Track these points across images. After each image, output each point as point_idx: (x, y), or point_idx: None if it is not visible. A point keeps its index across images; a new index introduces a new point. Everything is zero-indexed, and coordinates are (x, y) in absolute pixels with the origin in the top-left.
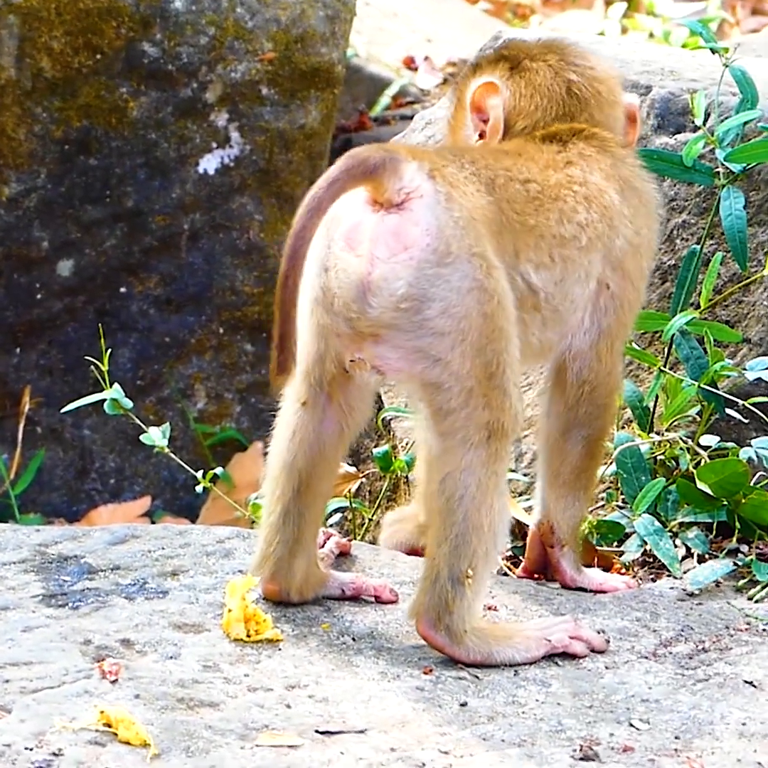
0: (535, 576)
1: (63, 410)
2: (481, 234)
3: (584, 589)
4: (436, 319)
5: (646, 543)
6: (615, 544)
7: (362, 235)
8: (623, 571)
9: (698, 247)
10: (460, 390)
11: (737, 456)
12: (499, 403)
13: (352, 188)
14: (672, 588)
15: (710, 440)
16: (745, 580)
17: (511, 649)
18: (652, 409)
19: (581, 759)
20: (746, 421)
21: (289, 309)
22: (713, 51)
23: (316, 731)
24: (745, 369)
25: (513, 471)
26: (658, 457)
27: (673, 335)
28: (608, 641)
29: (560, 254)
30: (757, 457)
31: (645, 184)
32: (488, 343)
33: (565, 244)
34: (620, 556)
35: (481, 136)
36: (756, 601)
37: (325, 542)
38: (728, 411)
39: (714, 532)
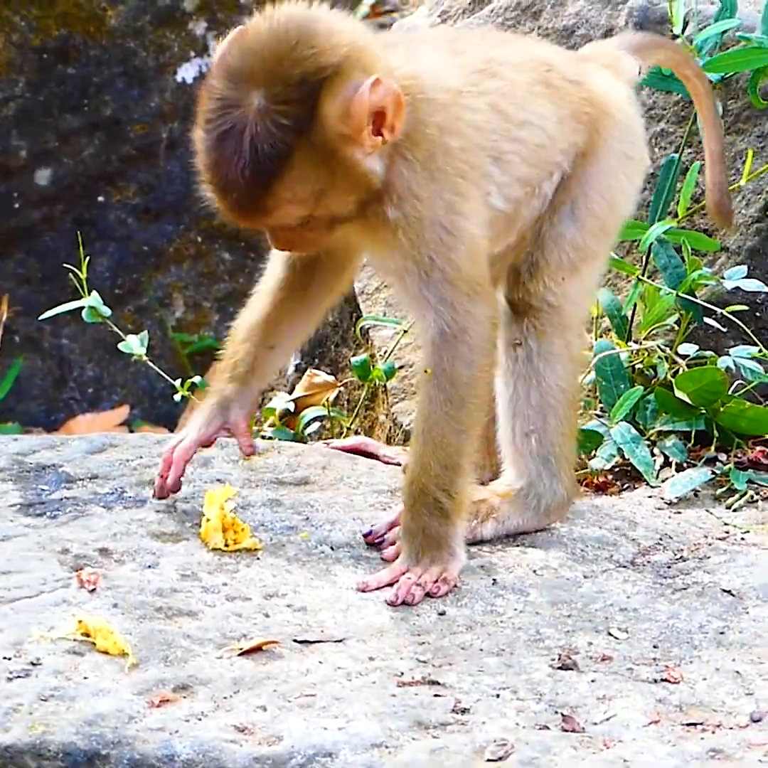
0: None
1: (41, 317)
2: None
3: None
4: None
5: (621, 452)
6: (593, 452)
7: None
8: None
9: (676, 155)
10: None
11: (715, 365)
12: None
13: None
14: (650, 497)
15: (688, 349)
16: (724, 489)
17: None
18: (630, 318)
19: (560, 668)
20: (724, 329)
21: None
22: None
23: (295, 640)
24: (723, 277)
25: None
26: (637, 366)
27: (651, 244)
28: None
29: None
30: (735, 365)
31: None
32: None
33: None
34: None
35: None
36: (734, 510)
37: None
38: (706, 320)
39: (692, 441)
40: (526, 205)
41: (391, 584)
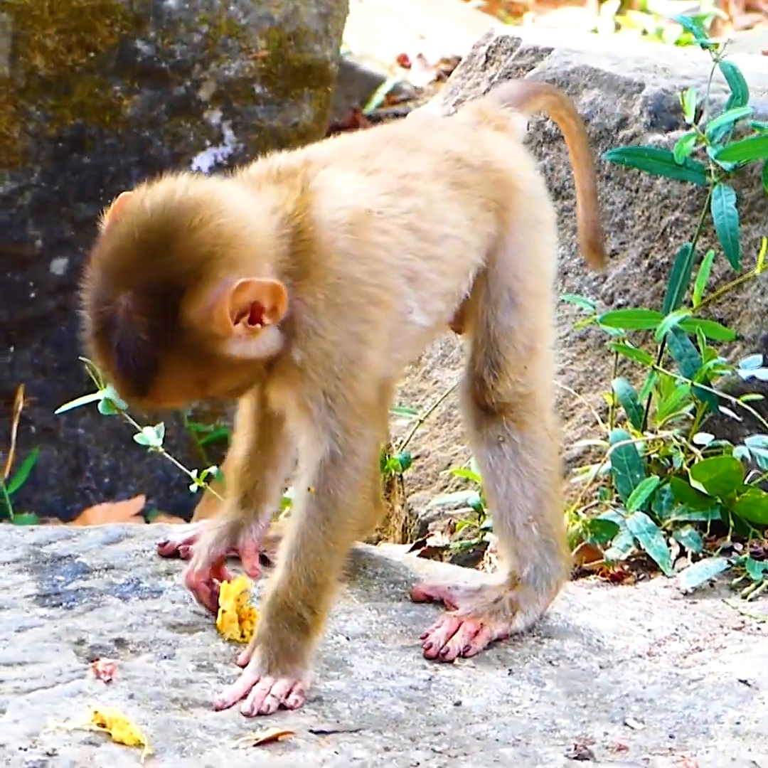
0: None
1: (58, 411)
2: None
3: None
4: None
5: (637, 541)
6: (609, 543)
7: None
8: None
9: (691, 244)
10: None
11: (731, 454)
12: None
13: None
14: (666, 587)
15: (704, 438)
16: (739, 579)
17: None
18: (645, 408)
19: (576, 758)
20: (740, 419)
21: None
22: (704, 47)
23: (311, 731)
24: (738, 367)
25: None
26: (653, 456)
27: (666, 333)
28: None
29: None
30: (751, 455)
31: None
32: None
33: None
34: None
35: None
36: (750, 600)
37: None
38: (722, 409)
39: (708, 531)
40: (448, 312)
41: (246, 696)
